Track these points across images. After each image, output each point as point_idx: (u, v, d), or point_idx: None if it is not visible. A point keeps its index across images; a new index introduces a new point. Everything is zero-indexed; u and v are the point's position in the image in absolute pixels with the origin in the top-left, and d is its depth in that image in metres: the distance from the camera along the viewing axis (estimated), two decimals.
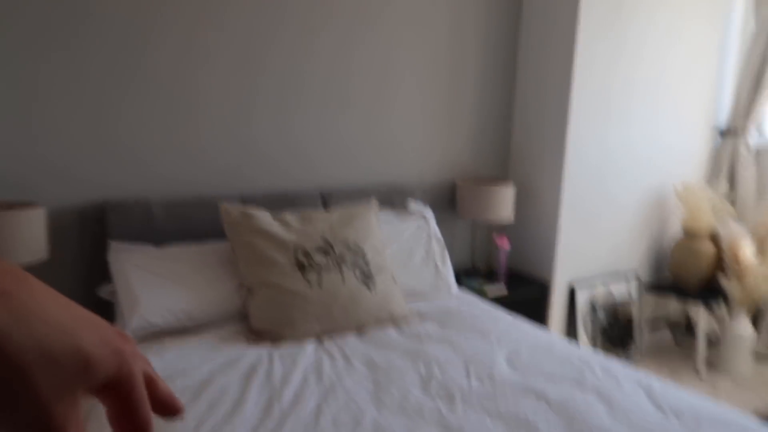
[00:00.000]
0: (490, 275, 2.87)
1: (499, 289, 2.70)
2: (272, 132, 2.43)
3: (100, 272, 2.09)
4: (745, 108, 3.23)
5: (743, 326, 3.01)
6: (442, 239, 2.51)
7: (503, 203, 2.76)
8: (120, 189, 2.17)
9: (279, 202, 2.32)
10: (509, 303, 2.68)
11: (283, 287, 1.91)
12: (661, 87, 3.05)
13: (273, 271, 1.93)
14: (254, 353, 1.76)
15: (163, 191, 2.24)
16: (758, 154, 3.32)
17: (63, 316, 0.29)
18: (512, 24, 2.98)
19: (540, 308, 2.86)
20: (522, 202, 2.99)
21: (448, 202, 2.94)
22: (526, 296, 2.80)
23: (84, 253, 2.14)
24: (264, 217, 2.03)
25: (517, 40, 3.00)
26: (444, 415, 1.44)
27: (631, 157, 3.03)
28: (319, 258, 1.98)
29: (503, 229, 3.11)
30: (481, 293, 2.63)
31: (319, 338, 1.91)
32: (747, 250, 2.95)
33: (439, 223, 2.74)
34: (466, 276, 2.87)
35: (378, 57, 2.61)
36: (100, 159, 2.12)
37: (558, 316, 2.92)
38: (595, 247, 3.00)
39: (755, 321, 3.23)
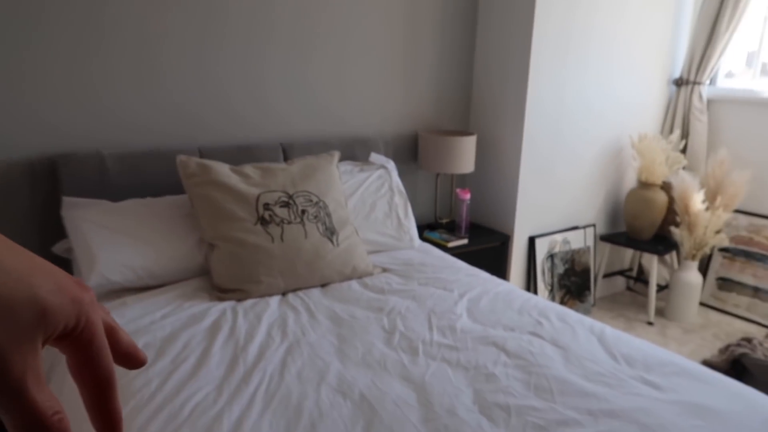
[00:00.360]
0: (452, 227, 2.91)
1: (461, 241, 2.74)
2: (233, 80, 2.35)
3: (55, 229, 2.02)
4: (699, 59, 3.28)
5: (692, 275, 3.15)
6: (404, 191, 2.51)
7: (465, 155, 2.77)
8: (72, 141, 2.08)
9: (239, 155, 2.27)
10: (471, 254, 2.73)
11: (245, 242, 1.89)
12: (618, 39, 3.06)
13: (234, 225, 1.91)
14: (218, 309, 1.75)
15: (117, 143, 2.16)
16: (710, 104, 3.40)
17: (17, 264, 0.28)
18: None
19: (501, 259, 2.93)
20: (483, 154, 3.01)
21: (410, 155, 2.93)
22: (487, 248, 2.86)
23: (36, 210, 2.06)
24: (222, 169, 1.99)
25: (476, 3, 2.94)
26: (407, 367, 1.48)
27: (589, 108, 3.06)
28: (280, 211, 1.96)
29: (465, 181, 3.13)
30: (443, 245, 2.67)
31: (283, 293, 1.91)
32: (697, 201, 3.05)
33: (401, 175, 2.74)
34: (428, 228, 2.90)
35: (341, 6, 2.53)
36: (49, 109, 2.02)
37: (518, 267, 3.00)
38: (553, 197, 3.06)
39: (705, 269, 3.38)
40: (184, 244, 1.96)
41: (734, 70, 3.71)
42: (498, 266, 2.91)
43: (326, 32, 2.53)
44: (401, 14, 2.72)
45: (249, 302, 1.81)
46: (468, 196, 2.82)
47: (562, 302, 3.11)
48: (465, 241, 2.75)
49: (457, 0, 2.88)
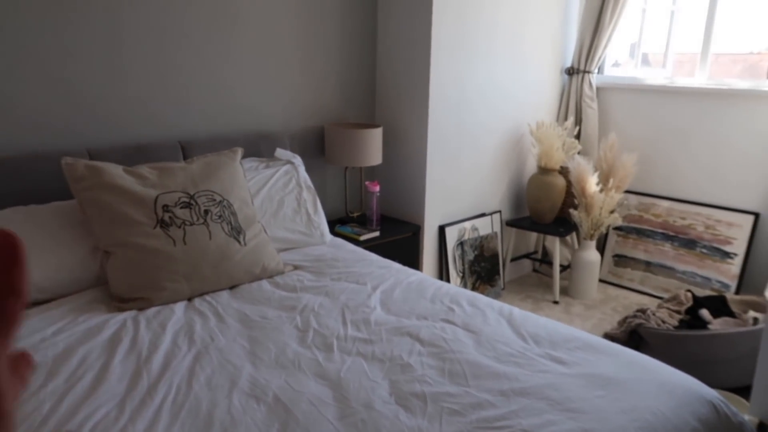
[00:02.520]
0: (364, 221, 2.90)
1: (373, 233, 2.74)
2: (126, 74, 2.20)
3: None
4: (587, 50, 3.47)
5: (591, 254, 3.33)
6: (312, 187, 2.47)
7: (372, 147, 2.77)
8: None
9: (133, 155, 2.13)
10: (383, 247, 2.73)
11: (144, 247, 1.78)
12: (512, 31, 3.18)
13: (131, 230, 1.79)
14: (117, 320, 1.64)
15: None
16: (599, 91, 3.61)
17: None
18: None
19: (413, 250, 2.96)
20: (391, 146, 3.03)
21: (317, 149, 2.89)
22: (399, 239, 2.87)
23: None
24: (115, 171, 1.86)
25: None
26: (322, 364, 1.45)
27: (489, 98, 3.15)
28: (181, 213, 1.87)
29: (374, 173, 3.13)
30: (356, 239, 2.66)
31: (189, 299, 1.82)
32: (592, 183, 3.23)
33: (309, 170, 2.70)
34: (339, 223, 2.88)
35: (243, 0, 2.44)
36: None
37: (430, 256, 3.04)
38: (461, 186, 3.13)
39: (602, 248, 3.59)
40: (75, 253, 1.82)
41: (620, 60, 3.96)
42: (410, 257, 2.94)
43: (224, 23, 2.43)
44: (301, 5, 2.66)
45: (152, 311, 1.71)
46: (377, 188, 2.83)
47: (474, 288, 3.19)
48: (377, 234, 2.76)
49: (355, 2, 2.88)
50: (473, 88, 3.04)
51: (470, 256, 3.18)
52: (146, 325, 1.62)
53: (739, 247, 3.15)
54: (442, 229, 3.05)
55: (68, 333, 1.55)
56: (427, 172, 2.92)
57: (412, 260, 2.94)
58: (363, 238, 2.68)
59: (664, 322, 2.72)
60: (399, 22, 2.90)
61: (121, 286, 1.76)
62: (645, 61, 3.90)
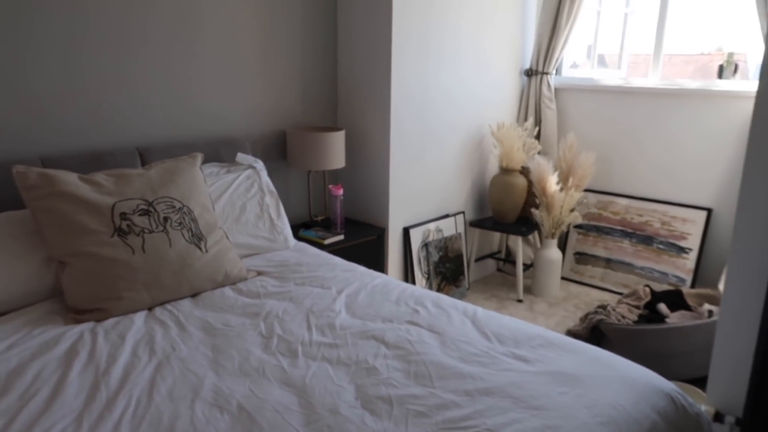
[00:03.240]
0: (328, 224, 2.89)
1: (337, 237, 2.73)
2: (80, 78, 2.14)
3: None
4: (545, 51, 3.53)
5: (553, 252, 3.39)
6: (275, 191, 2.45)
7: (335, 150, 2.76)
8: None
9: (89, 163, 2.08)
10: (348, 250, 2.73)
11: (100, 256, 1.74)
12: (472, 33, 3.22)
13: (87, 239, 1.74)
14: (74, 332, 1.59)
15: None
16: (558, 92, 3.68)
17: None
18: None
19: (378, 252, 2.96)
20: (354, 149, 3.02)
21: (279, 153, 2.87)
22: (364, 242, 2.87)
23: None
24: (69, 179, 1.80)
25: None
26: (286, 370, 1.44)
27: (451, 100, 3.18)
28: (140, 220, 1.82)
29: (337, 177, 3.12)
30: (319, 243, 2.65)
31: (149, 308, 1.78)
32: (552, 183, 3.29)
33: (271, 174, 2.68)
34: (304, 227, 2.86)
35: (201, 4, 2.40)
36: None
37: (395, 259, 3.05)
38: (424, 188, 3.15)
39: (564, 246, 3.65)
40: (29, 264, 1.76)
41: (578, 61, 4.05)
42: (375, 260, 2.94)
43: (184, 28, 2.39)
44: (261, 10, 2.64)
45: (110, 321, 1.67)
46: (341, 191, 2.82)
47: (440, 289, 3.21)
48: (341, 237, 2.75)
49: (315, 3, 2.87)
50: (436, 90, 3.06)
51: (435, 257, 3.20)
52: (104, 336, 1.58)
53: (693, 243, 3.25)
54: (406, 231, 3.06)
55: (22, 347, 1.50)
56: (390, 174, 2.92)
57: (377, 263, 2.94)
58: (327, 241, 2.67)
59: (623, 317, 2.78)
60: (359, 24, 2.90)
61: (78, 297, 1.71)
62: (602, 62, 4.00)
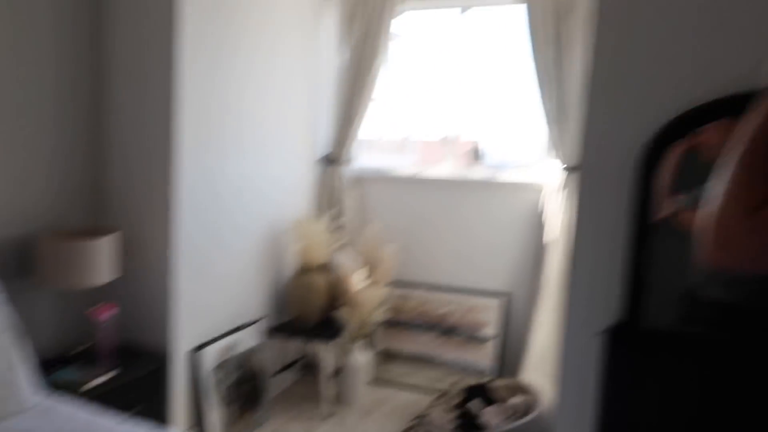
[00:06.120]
0: (91, 359, 2.24)
1: (102, 377, 2.12)
2: None
3: None
4: (342, 138, 3.40)
5: (358, 356, 3.12)
6: (15, 323, 1.80)
7: (102, 261, 2.19)
8: None
9: None
10: (119, 391, 2.14)
11: None
12: (268, 124, 2.94)
13: None
14: None
15: None
16: (357, 181, 3.56)
17: None
18: (95, 64, 2.42)
19: (159, 387, 2.38)
20: (128, 259, 2.45)
21: (24, 268, 2.18)
22: (140, 375, 2.28)
23: None
24: None
25: (106, 64, 2.45)
26: None
27: (243, 200, 2.82)
28: None
29: (106, 293, 2.47)
30: (77, 389, 2.01)
31: None
32: (357, 279, 3.07)
33: (12, 298, 1.98)
34: (59, 364, 2.18)
35: None
36: None
37: (182, 388, 2.50)
38: (216, 300, 2.68)
39: (371, 345, 3.41)
40: None
41: (375, 149, 4.00)
42: (157, 397, 2.35)
43: None
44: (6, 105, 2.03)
45: None
46: (108, 314, 2.23)
47: (240, 417, 2.71)
48: (109, 376, 2.14)
49: (77, 81, 2.34)
50: (227, 190, 2.68)
51: (231, 378, 2.71)
52: None
53: (494, 329, 3.27)
54: (196, 353, 2.54)
55: None
56: (173, 287, 2.42)
57: (160, 401, 2.36)
58: (89, 386, 2.05)
59: (444, 425, 2.60)
60: (134, 115, 2.43)
61: None
62: (400, 149, 3.98)
